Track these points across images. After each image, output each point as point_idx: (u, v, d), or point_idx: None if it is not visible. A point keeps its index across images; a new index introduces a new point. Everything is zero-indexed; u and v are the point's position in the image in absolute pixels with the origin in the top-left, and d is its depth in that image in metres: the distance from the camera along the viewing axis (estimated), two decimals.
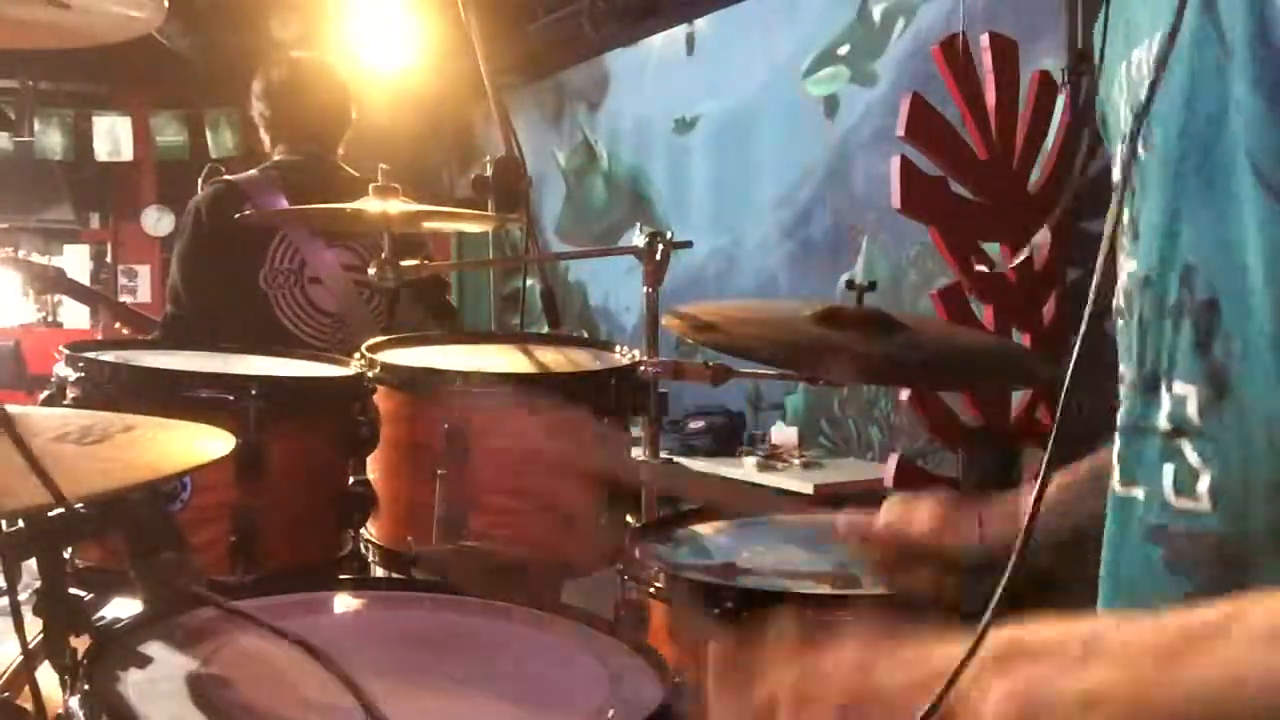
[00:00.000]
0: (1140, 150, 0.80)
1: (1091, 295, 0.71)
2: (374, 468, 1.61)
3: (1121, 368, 0.86)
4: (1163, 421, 0.78)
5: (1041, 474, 0.69)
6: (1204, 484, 0.75)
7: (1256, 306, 0.70)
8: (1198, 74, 0.73)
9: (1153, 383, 0.79)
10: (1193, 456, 0.76)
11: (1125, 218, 0.82)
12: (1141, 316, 0.80)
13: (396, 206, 1.91)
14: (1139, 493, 0.81)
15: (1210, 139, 0.72)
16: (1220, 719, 0.60)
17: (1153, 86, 0.75)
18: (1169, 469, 0.78)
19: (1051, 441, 0.71)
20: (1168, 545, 0.78)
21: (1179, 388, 0.77)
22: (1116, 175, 0.87)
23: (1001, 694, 0.65)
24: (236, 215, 2.35)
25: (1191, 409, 0.76)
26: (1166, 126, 0.77)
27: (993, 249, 3.33)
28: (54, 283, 2.44)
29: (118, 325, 2.55)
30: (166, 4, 1.35)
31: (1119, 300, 0.85)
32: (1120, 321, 0.86)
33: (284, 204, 2.59)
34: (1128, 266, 0.83)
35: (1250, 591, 0.61)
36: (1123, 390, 0.86)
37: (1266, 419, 0.71)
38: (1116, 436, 0.84)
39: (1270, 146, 0.67)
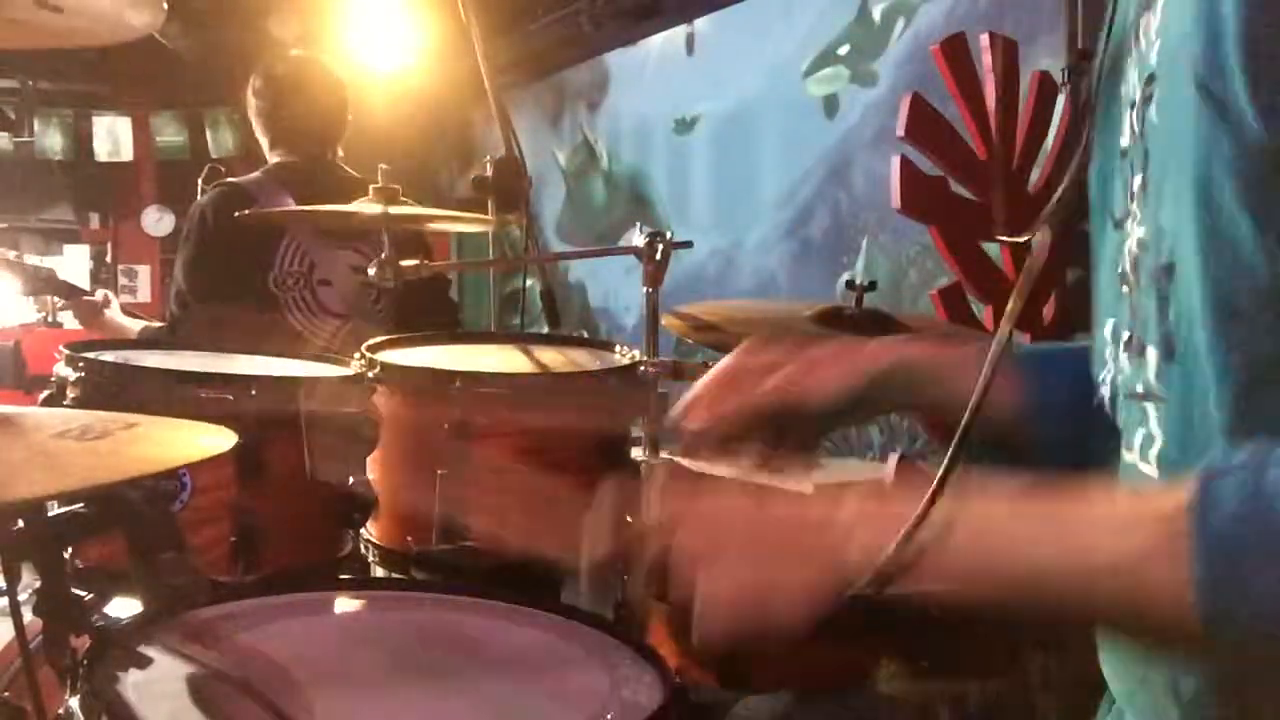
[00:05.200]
0: (1153, 115, 0.76)
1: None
2: (374, 468, 1.61)
3: (1123, 333, 0.83)
4: (1139, 385, 0.77)
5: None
6: (1154, 450, 0.74)
7: (1190, 269, 0.68)
8: (1183, 35, 0.70)
9: (1140, 347, 0.77)
10: (1152, 421, 0.75)
11: (1138, 184, 0.79)
12: (1140, 281, 0.78)
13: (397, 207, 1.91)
14: (1132, 457, 0.79)
15: (1184, 102, 0.69)
16: (1054, 591, 0.65)
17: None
18: (1140, 433, 0.76)
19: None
20: None
21: (1149, 352, 0.75)
22: (1125, 140, 0.83)
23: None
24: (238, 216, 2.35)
25: (1152, 373, 0.74)
26: (1168, 90, 0.73)
27: (993, 249, 3.33)
28: (46, 284, 2.44)
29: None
30: (166, 6, 1.35)
31: (1125, 266, 0.82)
32: (1125, 288, 0.82)
33: (291, 205, 2.58)
34: (1137, 233, 0.80)
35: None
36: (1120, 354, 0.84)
37: (1202, 385, 0.69)
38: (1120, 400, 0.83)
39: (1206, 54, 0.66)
